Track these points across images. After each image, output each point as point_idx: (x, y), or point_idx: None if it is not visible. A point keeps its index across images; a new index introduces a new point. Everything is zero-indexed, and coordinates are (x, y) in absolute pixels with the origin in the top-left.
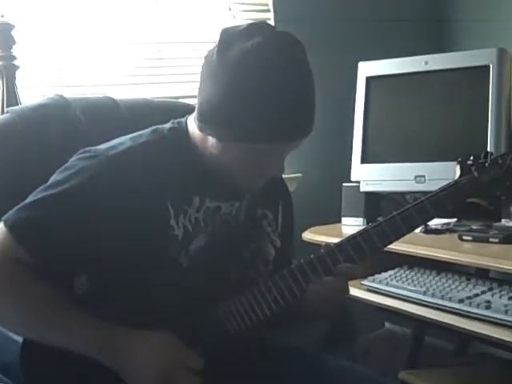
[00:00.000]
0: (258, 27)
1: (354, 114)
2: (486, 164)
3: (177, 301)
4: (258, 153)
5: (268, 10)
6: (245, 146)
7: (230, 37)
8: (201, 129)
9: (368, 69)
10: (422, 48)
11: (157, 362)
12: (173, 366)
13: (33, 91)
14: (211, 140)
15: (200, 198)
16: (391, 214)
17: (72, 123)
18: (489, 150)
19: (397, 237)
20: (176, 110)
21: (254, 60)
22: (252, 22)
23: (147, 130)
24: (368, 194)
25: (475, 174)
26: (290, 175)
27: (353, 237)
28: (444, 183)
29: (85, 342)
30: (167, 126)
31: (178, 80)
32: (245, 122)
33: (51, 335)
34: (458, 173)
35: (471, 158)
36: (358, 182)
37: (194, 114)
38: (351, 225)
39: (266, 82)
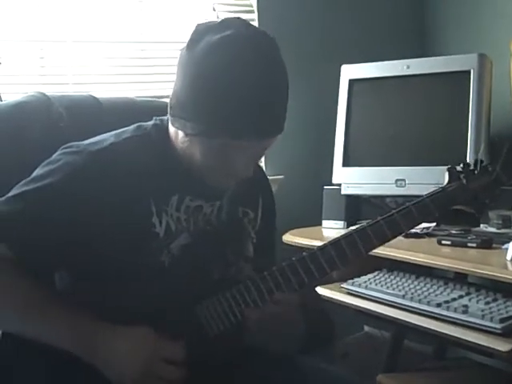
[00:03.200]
0: (231, 22)
1: (336, 117)
2: (476, 172)
3: (158, 299)
4: (219, 149)
5: (252, 11)
6: (207, 141)
7: (201, 31)
8: (171, 122)
9: (351, 72)
10: (404, 52)
11: (136, 355)
12: (152, 358)
13: (15, 88)
14: (180, 134)
15: (179, 196)
16: (376, 218)
17: (54, 121)
18: (468, 154)
19: (381, 242)
20: (159, 110)
21: (219, 54)
22: (227, 17)
23: (131, 127)
24: (349, 197)
25: (464, 181)
26: (272, 177)
27: (336, 240)
28: (424, 187)
29: (65, 337)
30: (150, 122)
31: (160, 79)
32: (203, 117)
33: (32, 329)
34: (447, 179)
35: (461, 165)
36: (339, 185)
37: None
38: (332, 228)
39: (228, 77)
